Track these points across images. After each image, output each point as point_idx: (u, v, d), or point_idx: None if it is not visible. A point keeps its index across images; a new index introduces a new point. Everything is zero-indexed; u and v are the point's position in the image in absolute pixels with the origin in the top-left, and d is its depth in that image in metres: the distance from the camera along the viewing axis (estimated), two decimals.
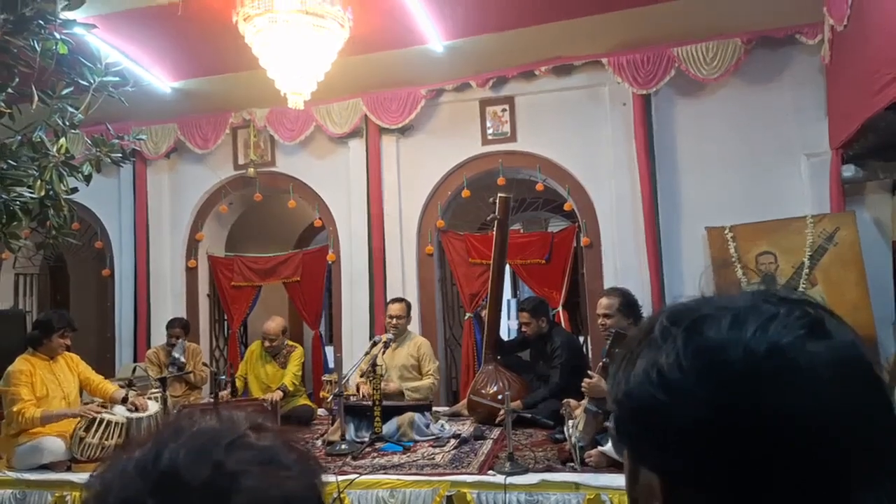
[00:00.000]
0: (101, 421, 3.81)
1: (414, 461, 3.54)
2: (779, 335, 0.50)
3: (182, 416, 0.62)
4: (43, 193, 3.37)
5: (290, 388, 4.76)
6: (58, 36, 3.25)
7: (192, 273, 6.37)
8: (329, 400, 4.62)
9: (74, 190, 3.59)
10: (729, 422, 0.48)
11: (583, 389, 3.38)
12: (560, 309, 5.51)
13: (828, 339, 0.50)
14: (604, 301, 3.82)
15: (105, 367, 5.57)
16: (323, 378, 5.68)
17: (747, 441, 0.48)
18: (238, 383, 5.06)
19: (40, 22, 3.15)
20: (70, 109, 3.48)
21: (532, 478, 3.14)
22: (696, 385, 0.50)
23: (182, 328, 5.42)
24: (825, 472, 0.47)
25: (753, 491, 0.48)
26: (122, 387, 4.28)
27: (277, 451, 0.59)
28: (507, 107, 5.55)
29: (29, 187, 3.34)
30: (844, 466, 0.47)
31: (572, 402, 3.48)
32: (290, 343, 5.07)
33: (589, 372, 3.42)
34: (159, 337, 5.85)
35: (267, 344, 4.91)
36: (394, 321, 4.75)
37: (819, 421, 0.47)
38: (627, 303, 3.77)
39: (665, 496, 0.52)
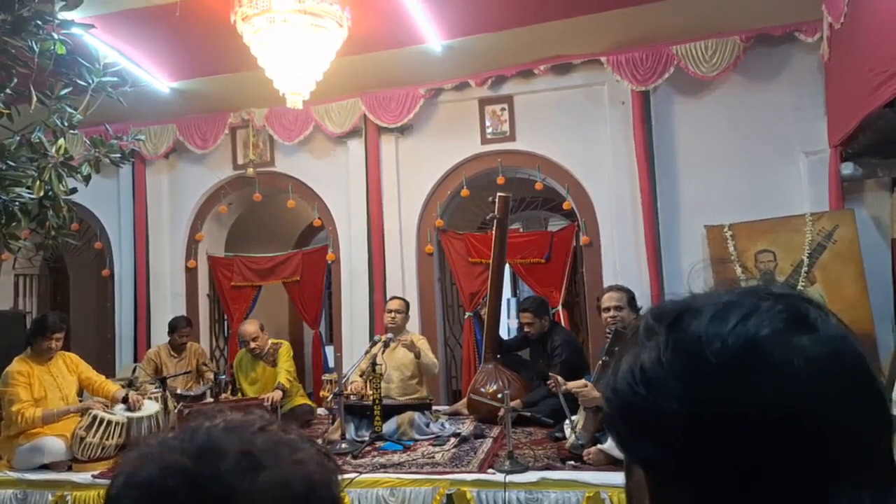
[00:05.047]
0: (102, 420, 3.81)
1: (414, 460, 3.54)
2: (757, 329, 0.49)
3: (209, 408, 0.69)
4: (42, 194, 3.37)
5: (287, 386, 4.73)
6: (56, 36, 3.25)
7: (191, 273, 6.37)
8: (329, 399, 4.62)
9: (74, 190, 3.59)
10: (705, 416, 0.48)
11: (572, 391, 3.40)
12: (560, 308, 5.51)
13: (812, 332, 0.50)
14: (615, 294, 3.86)
15: (105, 367, 5.56)
16: (323, 378, 5.67)
17: (723, 435, 0.47)
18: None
19: (38, 22, 3.15)
20: (69, 110, 3.48)
21: (532, 476, 3.15)
22: (673, 380, 0.50)
23: (189, 326, 5.44)
24: (802, 465, 0.47)
25: (732, 485, 0.47)
26: (122, 387, 4.29)
27: (300, 443, 0.64)
28: (506, 106, 5.55)
29: (28, 188, 3.34)
30: (824, 461, 0.47)
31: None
32: (275, 341, 4.98)
33: (572, 385, 3.43)
34: (159, 337, 5.85)
35: (252, 346, 4.81)
36: (392, 314, 4.75)
37: (795, 415, 0.47)
38: (633, 298, 3.84)
39: (651, 490, 0.52)
